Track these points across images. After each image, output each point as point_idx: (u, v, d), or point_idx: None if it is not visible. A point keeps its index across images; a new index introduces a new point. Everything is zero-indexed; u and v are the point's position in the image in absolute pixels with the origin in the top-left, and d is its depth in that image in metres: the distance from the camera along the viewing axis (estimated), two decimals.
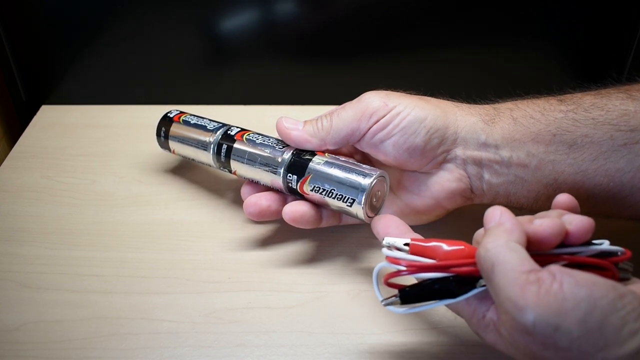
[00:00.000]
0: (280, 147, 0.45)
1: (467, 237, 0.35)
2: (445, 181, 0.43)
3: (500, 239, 0.30)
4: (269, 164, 0.44)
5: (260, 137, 0.46)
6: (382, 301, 0.34)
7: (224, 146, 0.47)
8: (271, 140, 0.46)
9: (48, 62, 0.65)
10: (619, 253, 0.32)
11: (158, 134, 0.52)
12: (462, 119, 0.43)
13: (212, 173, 0.55)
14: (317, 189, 0.42)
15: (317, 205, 0.44)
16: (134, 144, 0.59)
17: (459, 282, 0.32)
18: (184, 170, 0.56)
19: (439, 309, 0.41)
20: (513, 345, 0.30)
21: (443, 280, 0.33)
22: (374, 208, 0.43)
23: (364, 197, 0.40)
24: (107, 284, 0.43)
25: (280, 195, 0.45)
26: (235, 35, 0.64)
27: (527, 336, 0.29)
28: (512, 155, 0.41)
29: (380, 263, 0.35)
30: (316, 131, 0.43)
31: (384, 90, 0.44)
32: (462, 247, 0.33)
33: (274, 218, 0.45)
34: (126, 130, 0.62)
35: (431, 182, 0.44)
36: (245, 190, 0.46)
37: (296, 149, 0.44)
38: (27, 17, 0.62)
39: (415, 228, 0.38)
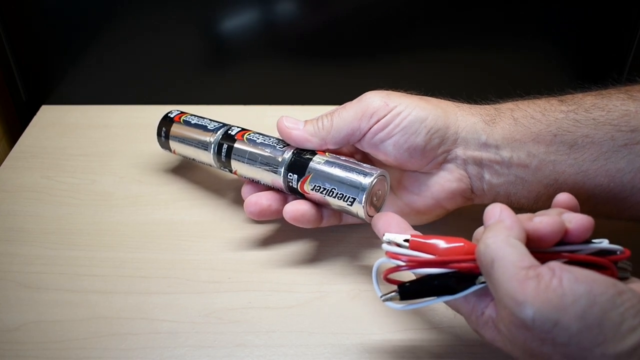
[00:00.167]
0: (281, 146, 0.45)
1: (467, 236, 0.35)
2: (446, 181, 0.43)
3: (500, 235, 0.30)
4: (269, 164, 0.44)
5: (261, 136, 0.46)
6: (381, 297, 0.34)
7: (225, 146, 0.47)
8: (272, 139, 0.46)
9: (48, 62, 0.65)
10: (618, 252, 0.33)
11: (159, 134, 0.52)
12: (463, 119, 0.43)
13: (212, 173, 0.55)
14: (318, 188, 0.42)
15: (318, 205, 0.44)
16: (134, 144, 0.59)
17: (459, 278, 0.32)
18: (184, 170, 0.56)
19: (438, 308, 0.41)
20: (512, 341, 0.30)
21: (442, 277, 0.33)
22: (375, 207, 0.42)
23: (364, 196, 0.40)
24: (107, 284, 0.43)
25: (280, 195, 0.45)
26: (235, 35, 0.64)
27: (526, 332, 0.29)
28: (512, 155, 0.41)
29: (380, 259, 0.35)
30: (317, 131, 0.43)
31: (384, 90, 0.44)
32: (462, 244, 0.33)
33: (275, 217, 0.45)
34: (126, 130, 0.62)
35: (431, 182, 0.44)
36: (245, 189, 0.46)
37: (297, 149, 0.44)
38: (27, 17, 0.62)
39: (415, 228, 0.38)
